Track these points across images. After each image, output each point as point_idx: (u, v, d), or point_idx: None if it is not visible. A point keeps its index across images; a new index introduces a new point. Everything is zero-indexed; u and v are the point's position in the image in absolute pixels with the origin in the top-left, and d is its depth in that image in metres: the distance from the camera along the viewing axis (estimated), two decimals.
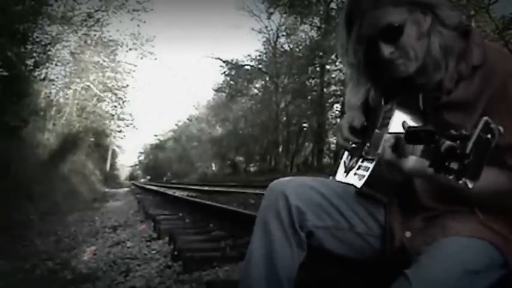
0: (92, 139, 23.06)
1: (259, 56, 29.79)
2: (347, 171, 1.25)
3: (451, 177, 0.71)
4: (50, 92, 15.77)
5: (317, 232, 1.14)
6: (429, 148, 0.76)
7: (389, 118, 1.04)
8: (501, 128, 0.71)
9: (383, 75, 1.09)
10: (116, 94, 22.98)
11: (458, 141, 0.70)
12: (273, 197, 1.14)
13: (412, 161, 0.88)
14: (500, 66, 1.00)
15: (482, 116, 0.95)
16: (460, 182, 0.70)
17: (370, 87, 1.25)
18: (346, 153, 1.34)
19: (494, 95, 0.98)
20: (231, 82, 31.27)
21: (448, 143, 0.71)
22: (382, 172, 1.05)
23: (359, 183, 1.13)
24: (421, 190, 1.07)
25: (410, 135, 0.79)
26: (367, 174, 1.11)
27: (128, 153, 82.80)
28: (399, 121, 0.92)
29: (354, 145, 1.25)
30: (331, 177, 1.35)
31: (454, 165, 0.70)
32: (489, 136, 0.70)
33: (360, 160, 1.20)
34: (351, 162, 1.25)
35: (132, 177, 71.24)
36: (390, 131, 1.00)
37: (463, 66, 1.02)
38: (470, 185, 0.70)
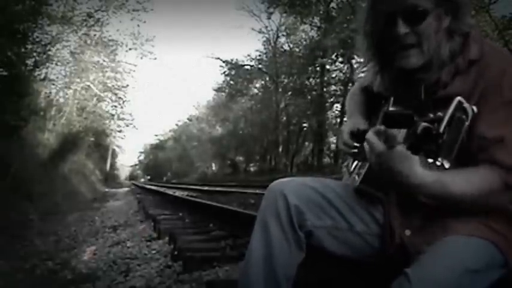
0: (92, 139, 23.04)
1: (259, 56, 29.81)
2: (350, 174, 1.26)
3: (430, 160, 0.71)
4: (50, 92, 15.77)
5: (316, 232, 1.14)
6: (409, 132, 0.76)
7: None
8: (475, 108, 0.72)
9: (393, 65, 1.08)
10: (116, 94, 23.01)
11: (435, 123, 0.71)
12: (272, 196, 1.14)
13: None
14: (495, 61, 1.01)
15: None
16: (438, 163, 0.70)
17: (379, 72, 1.23)
18: (350, 158, 1.33)
19: (487, 89, 0.99)
20: (231, 82, 31.27)
21: (423, 124, 0.72)
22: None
23: (357, 181, 1.13)
24: None
25: (388, 119, 0.78)
26: (363, 171, 1.11)
27: (128, 153, 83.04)
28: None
29: (353, 150, 1.24)
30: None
31: (431, 146, 0.71)
32: (463, 116, 0.70)
33: (361, 161, 1.20)
34: (353, 165, 1.25)
35: (132, 177, 71.29)
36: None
37: (460, 61, 1.03)
38: (446, 165, 0.71)
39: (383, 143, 0.88)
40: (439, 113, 0.72)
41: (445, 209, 1.05)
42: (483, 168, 0.96)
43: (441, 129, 0.70)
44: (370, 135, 0.93)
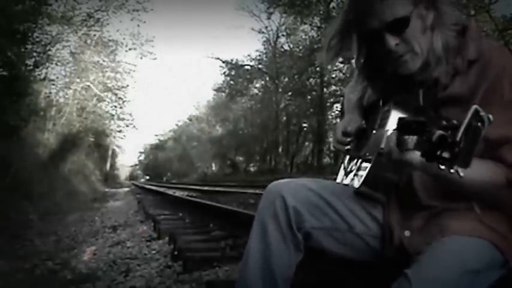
0: (92, 139, 23.01)
1: (259, 56, 29.84)
2: (346, 174, 1.25)
3: (443, 166, 0.71)
4: (50, 92, 15.78)
5: (315, 233, 1.14)
6: (421, 139, 0.77)
7: (387, 119, 1.03)
8: (491, 116, 0.72)
9: (384, 73, 1.08)
10: (116, 94, 22.98)
11: (449, 131, 0.71)
12: (271, 198, 1.14)
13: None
14: (495, 60, 1.00)
15: None
16: (452, 170, 0.71)
17: (367, 84, 1.23)
18: (346, 157, 1.33)
19: (489, 89, 0.99)
20: (231, 82, 31.28)
21: (439, 132, 0.72)
22: (381, 171, 1.05)
23: (357, 183, 1.13)
24: (420, 188, 1.07)
25: (402, 126, 0.79)
26: (365, 173, 1.11)
27: (128, 153, 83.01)
28: (396, 121, 0.92)
29: (347, 147, 1.24)
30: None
31: (446, 154, 0.71)
32: (479, 124, 0.70)
33: (359, 162, 1.20)
34: (350, 165, 1.25)
35: (132, 177, 71.29)
36: (386, 129, 1.00)
37: (459, 61, 1.02)
38: (461, 174, 0.71)
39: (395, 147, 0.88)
40: (454, 121, 0.72)
41: (444, 208, 1.05)
42: (491, 162, 0.96)
43: (458, 138, 0.70)
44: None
